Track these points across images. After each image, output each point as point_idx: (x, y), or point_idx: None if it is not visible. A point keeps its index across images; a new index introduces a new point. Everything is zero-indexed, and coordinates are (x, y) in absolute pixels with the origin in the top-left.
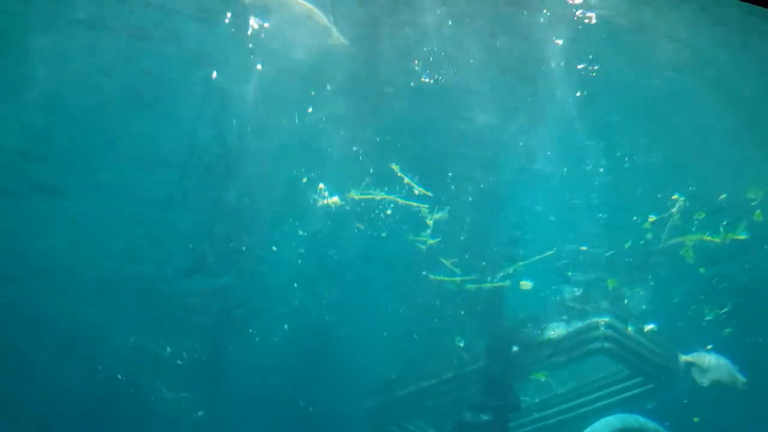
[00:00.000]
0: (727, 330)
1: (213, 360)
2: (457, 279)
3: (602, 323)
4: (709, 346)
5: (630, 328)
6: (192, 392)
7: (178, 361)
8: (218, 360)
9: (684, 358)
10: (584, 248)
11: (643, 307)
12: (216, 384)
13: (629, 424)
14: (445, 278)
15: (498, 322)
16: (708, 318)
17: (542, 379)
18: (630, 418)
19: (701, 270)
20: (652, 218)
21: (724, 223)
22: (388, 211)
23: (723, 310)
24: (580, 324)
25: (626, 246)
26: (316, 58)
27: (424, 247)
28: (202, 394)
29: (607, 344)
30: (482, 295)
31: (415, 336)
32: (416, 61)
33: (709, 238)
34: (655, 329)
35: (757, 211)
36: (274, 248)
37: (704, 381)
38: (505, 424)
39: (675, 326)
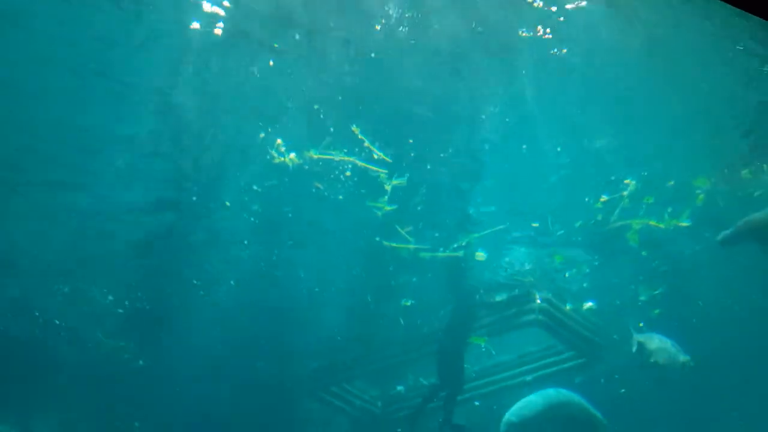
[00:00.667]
0: (656, 311)
1: (155, 310)
2: (411, 247)
3: (539, 297)
4: (641, 324)
5: (568, 307)
6: (132, 341)
7: (119, 310)
8: (161, 311)
9: (636, 338)
10: (536, 225)
11: (585, 285)
12: (158, 335)
13: (558, 399)
14: (400, 245)
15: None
16: (642, 298)
17: (482, 345)
18: (559, 393)
19: (643, 253)
20: (603, 198)
21: (669, 209)
22: (348, 173)
23: (656, 291)
24: (518, 295)
25: (577, 225)
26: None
27: (380, 213)
28: (143, 345)
29: (541, 317)
30: (447, 263)
31: (369, 298)
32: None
33: (654, 223)
34: (594, 307)
35: (700, 195)
36: (228, 203)
37: (650, 360)
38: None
39: (613, 305)
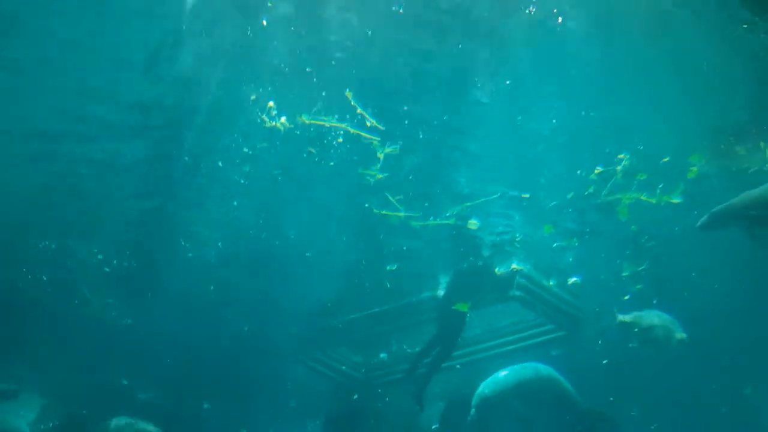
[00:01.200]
0: (638, 286)
1: (143, 270)
2: (401, 214)
3: (517, 271)
4: (626, 297)
5: (551, 282)
6: (119, 299)
7: (106, 269)
8: (149, 270)
9: (621, 318)
10: (526, 195)
11: (570, 259)
12: (145, 295)
13: (532, 375)
14: (389, 213)
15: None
16: (625, 274)
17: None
18: (534, 368)
19: (633, 227)
20: (598, 170)
21: (661, 185)
22: (339, 139)
23: (640, 268)
24: (497, 270)
25: (569, 197)
26: None
27: (372, 180)
28: (130, 303)
29: (518, 293)
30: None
31: (363, 263)
32: None
33: (645, 198)
34: (578, 282)
35: (694, 169)
36: (220, 164)
37: (640, 339)
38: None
39: (598, 279)
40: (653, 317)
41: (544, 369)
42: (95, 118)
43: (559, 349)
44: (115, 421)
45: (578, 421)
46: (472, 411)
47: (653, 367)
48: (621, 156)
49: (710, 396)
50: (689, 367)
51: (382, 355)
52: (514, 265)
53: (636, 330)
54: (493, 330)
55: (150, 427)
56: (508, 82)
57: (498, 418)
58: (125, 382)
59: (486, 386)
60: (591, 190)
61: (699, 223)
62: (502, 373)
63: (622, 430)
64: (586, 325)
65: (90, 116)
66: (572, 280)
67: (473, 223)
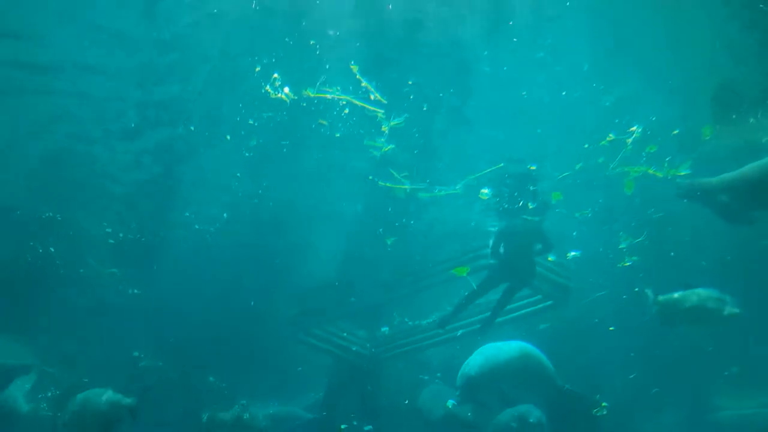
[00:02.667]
0: (634, 258)
1: (149, 242)
2: (407, 187)
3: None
4: (628, 263)
5: (550, 258)
6: (124, 269)
7: (110, 240)
8: (155, 242)
9: (660, 298)
10: (533, 167)
11: (574, 233)
12: (151, 266)
13: (517, 353)
14: (395, 186)
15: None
16: (621, 246)
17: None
18: (519, 347)
19: (637, 200)
20: (611, 137)
21: (668, 158)
22: (346, 111)
23: (637, 240)
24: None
25: (577, 167)
26: None
27: (378, 153)
28: (136, 273)
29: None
30: None
31: (379, 231)
32: None
33: (652, 172)
34: (578, 256)
35: (707, 136)
36: (228, 137)
37: (687, 321)
38: None
39: (597, 252)
40: (697, 295)
41: (528, 347)
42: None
43: (550, 321)
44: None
45: (557, 400)
46: (458, 384)
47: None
48: (633, 128)
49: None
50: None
51: (384, 329)
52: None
53: (681, 311)
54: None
55: (119, 397)
56: (515, 40)
57: (484, 392)
58: (136, 354)
59: (472, 366)
60: (600, 161)
61: (677, 187)
62: (487, 349)
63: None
64: (575, 295)
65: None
66: (572, 254)
67: (485, 192)
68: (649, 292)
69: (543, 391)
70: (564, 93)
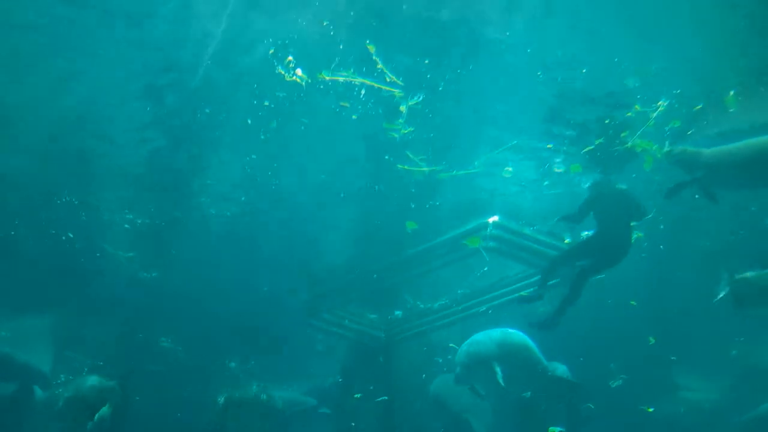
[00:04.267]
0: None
1: (166, 226)
2: (425, 169)
3: (490, 222)
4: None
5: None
6: (141, 253)
7: (126, 225)
8: (172, 227)
9: (738, 277)
10: (550, 146)
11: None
12: (167, 249)
13: (507, 341)
14: (413, 168)
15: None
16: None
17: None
18: (509, 334)
19: (656, 178)
20: (637, 107)
21: (691, 131)
22: (363, 90)
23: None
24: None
25: (596, 142)
26: None
27: (397, 135)
28: (152, 256)
29: (492, 243)
30: None
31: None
32: None
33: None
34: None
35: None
36: (249, 121)
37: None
38: None
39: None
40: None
41: (511, 334)
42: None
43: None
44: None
45: (543, 386)
46: (457, 369)
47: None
48: (660, 103)
49: None
50: None
51: (397, 313)
52: (487, 219)
53: (756, 291)
54: (491, 284)
55: (103, 381)
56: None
57: (480, 374)
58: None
59: (467, 355)
60: (624, 134)
61: (668, 154)
62: (474, 337)
63: (591, 397)
64: None
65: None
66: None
67: (509, 170)
68: (724, 271)
69: (529, 377)
70: (584, 70)
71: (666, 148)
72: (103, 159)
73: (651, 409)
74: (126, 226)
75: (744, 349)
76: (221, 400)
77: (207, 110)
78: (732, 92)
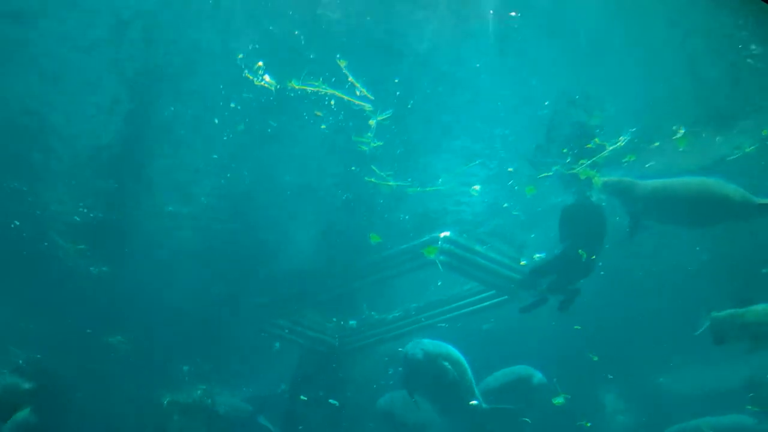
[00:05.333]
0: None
1: (121, 222)
2: (392, 183)
3: (441, 237)
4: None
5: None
6: (92, 246)
7: (76, 218)
8: (127, 223)
9: (714, 314)
10: (511, 170)
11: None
12: (120, 244)
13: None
14: (380, 182)
15: None
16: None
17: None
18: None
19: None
20: (597, 140)
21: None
22: (332, 101)
23: None
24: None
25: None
26: None
27: (367, 148)
28: (104, 250)
29: (442, 257)
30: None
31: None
32: None
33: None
34: (543, 256)
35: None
36: (216, 121)
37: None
38: None
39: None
40: (754, 312)
41: (434, 349)
42: None
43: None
44: None
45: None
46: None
47: None
48: (620, 138)
49: None
50: None
51: (351, 322)
52: (438, 233)
53: (736, 327)
54: (444, 299)
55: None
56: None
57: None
58: (89, 331)
59: (417, 348)
60: (568, 160)
61: (603, 184)
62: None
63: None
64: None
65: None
66: (537, 256)
67: (476, 189)
68: (703, 309)
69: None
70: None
71: (604, 178)
72: (55, 145)
73: (588, 424)
74: (76, 218)
75: (673, 376)
76: (165, 402)
77: (172, 108)
78: (682, 131)
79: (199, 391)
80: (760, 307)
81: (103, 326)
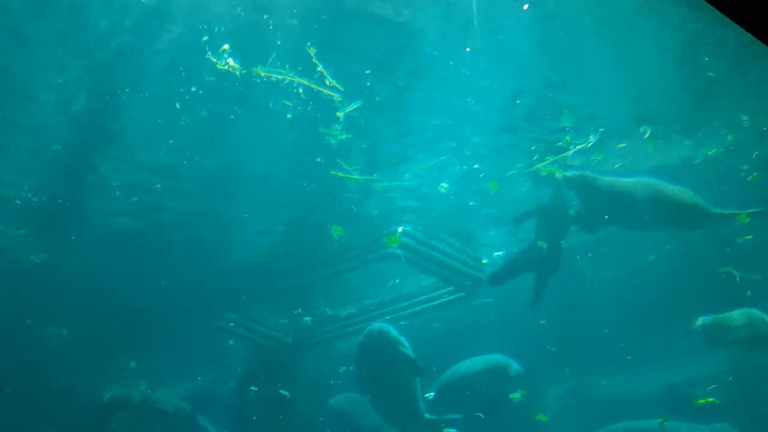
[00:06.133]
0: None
1: (62, 206)
2: (358, 177)
3: (400, 230)
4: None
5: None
6: (33, 232)
7: (17, 201)
8: (74, 208)
9: (701, 321)
10: (476, 166)
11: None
12: (65, 230)
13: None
14: (347, 175)
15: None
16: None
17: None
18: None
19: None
20: (568, 138)
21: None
22: (300, 90)
23: None
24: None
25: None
26: None
27: (334, 141)
28: (47, 237)
29: (399, 251)
30: None
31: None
32: None
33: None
34: (501, 254)
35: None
36: (178, 106)
37: (735, 339)
38: None
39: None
40: (744, 315)
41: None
42: None
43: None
44: None
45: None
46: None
47: None
48: (590, 138)
49: None
50: None
51: (306, 319)
52: (398, 228)
53: (727, 331)
54: (401, 295)
55: None
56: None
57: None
58: (30, 322)
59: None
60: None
61: (563, 178)
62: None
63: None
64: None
65: None
66: (497, 253)
67: (443, 186)
68: (695, 314)
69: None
70: (518, 101)
71: (567, 172)
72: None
73: (546, 418)
74: (17, 201)
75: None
76: (106, 398)
77: (127, 90)
78: (649, 132)
79: (142, 387)
80: (736, 313)
81: (44, 317)
